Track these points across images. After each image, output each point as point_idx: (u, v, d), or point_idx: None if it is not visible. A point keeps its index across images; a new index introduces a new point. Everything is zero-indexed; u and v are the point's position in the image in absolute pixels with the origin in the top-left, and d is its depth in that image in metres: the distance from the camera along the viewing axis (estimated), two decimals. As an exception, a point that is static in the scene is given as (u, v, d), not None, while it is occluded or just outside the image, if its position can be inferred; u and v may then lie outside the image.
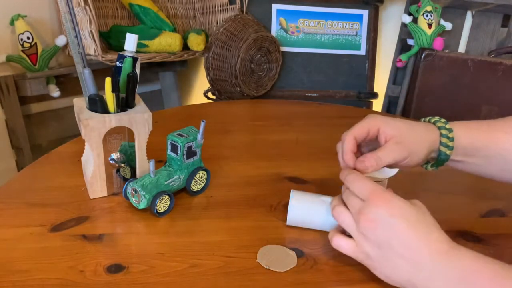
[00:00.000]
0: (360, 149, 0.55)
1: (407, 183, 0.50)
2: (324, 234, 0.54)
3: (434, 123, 0.53)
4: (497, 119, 0.55)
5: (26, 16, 1.27)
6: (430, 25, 1.50)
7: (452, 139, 0.51)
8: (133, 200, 0.56)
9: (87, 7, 1.15)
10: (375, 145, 0.52)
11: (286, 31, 1.57)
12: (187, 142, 0.57)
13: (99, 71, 0.96)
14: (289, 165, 0.72)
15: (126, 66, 0.56)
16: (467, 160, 0.53)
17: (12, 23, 1.26)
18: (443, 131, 0.51)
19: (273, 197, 0.62)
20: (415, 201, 0.47)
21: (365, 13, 1.60)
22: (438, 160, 0.53)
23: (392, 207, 0.43)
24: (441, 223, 0.58)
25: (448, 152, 0.51)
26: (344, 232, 0.48)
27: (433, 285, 0.41)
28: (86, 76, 0.56)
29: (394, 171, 0.56)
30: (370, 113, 0.54)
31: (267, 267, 0.48)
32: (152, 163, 0.55)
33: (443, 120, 0.53)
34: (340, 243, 0.47)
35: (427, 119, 0.55)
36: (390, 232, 0.43)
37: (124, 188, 0.57)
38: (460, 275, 0.40)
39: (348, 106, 1.10)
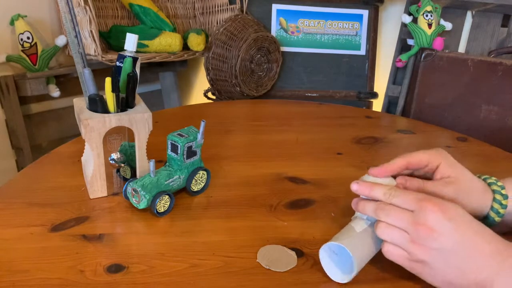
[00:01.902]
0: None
1: (407, 183, 0.50)
2: (324, 234, 0.54)
3: (489, 185, 0.51)
4: None
5: (26, 16, 1.27)
6: (430, 25, 1.50)
7: (505, 206, 0.50)
8: (133, 200, 0.56)
9: (87, 7, 1.15)
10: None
11: (286, 31, 1.57)
12: (187, 142, 0.57)
13: (99, 71, 0.96)
14: (289, 165, 0.72)
15: (126, 66, 0.56)
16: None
17: (12, 23, 1.26)
18: (497, 196, 0.50)
19: (273, 197, 0.62)
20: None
21: (365, 13, 1.60)
22: (486, 223, 0.50)
23: (447, 210, 0.42)
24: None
25: (497, 218, 0.50)
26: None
27: (500, 282, 0.40)
28: (86, 76, 0.56)
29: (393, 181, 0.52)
30: (439, 148, 0.52)
31: (267, 267, 0.48)
32: (152, 163, 0.55)
33: (499, 183, 0.51)
34: (392, 252, 0.45)
35: (482, 177, 0.53)
36: (453, 236, 0.41)
37: (124, 188, 0.57)
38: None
39: (348, 106, 1.10)
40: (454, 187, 0.49)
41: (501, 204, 0.50)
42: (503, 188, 0.51)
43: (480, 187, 0.51)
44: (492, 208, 0.50)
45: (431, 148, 0.52)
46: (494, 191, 0.50)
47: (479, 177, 0.53)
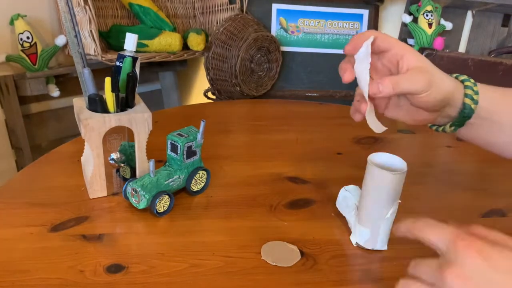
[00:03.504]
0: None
1: (407, 183, 0.49)
2: (324, 234, 0.54)
3: (456, 77, 0.49)
4: None
5: (25, 16, 1.27)
6: (430, 25, 1.50)
7: (477, 93, 0.47)
8: (133, 200, 0.55)
9: (87, 7, 1.15)
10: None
11: (286, 30, 1.57)
12: (187, 142, 0.57)
13: (99, 71, 0.96)
14: (289, 165, 0.72)
15: (126, 66, 0.56)
16: (481, 123, 0.49)
17: (12, 23, 1.26)
18: (467, 83, 0.48)
19: (273, 197, 0.62)
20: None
21: (365, 12, 1.60)
22: (461, 116, 0.48)
23: (491, 258, 0.31)
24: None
25: (473, 106, 0.47)
26: None
27: None
28: (85, 76, 0.56)
29: (404, 164, 0.50)
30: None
31: (274, 264, 0.48)
32: (152, 163, 0.55)
33: (465, 76, 0.49)
34: None
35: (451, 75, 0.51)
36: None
37: (124, 188, 0.57)
38: None
39: (348, 106, 1.09)
40: (426, 76, 0.46)
41: (473, 90, 0.48)
42: (470, 78, 0.49)
43: (450, 78, 0.49)
44: (466, 95, 0.47)
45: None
46: (463, 81, 0.49)
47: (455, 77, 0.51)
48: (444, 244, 0.33)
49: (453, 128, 0.51)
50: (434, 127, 0.53)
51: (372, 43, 0.48)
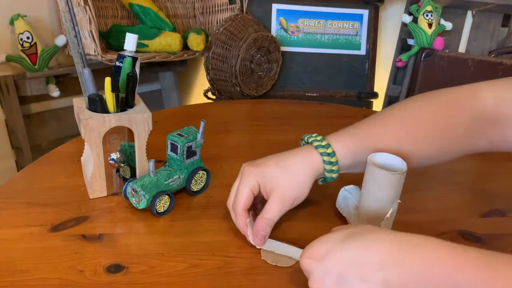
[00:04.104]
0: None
1: (407, 183, 0.49)
2: (323, 234, 0.54)
3: (316, 148, 0.51)
4: (373, 119, 0.54)
5: (25, 16, 1.27)
6: (430, 25, 1.50)
7: (335, 163, 0.51)
8: (133, 200, 0.55)
9: (87, 7, 1.15)
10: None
11: (286, 30, 1.57)
12: (187, 142, 0.57)
13: (99, 71, 0.96)
14: (289, 165, 0.72)
15: (125, 66, 0.56)
16: (351, 171, 0.53)
17: (12, 23, 1.26)
18: (325, 158, 0.50)
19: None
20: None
21: (365, 13, 1.60)
22: (326, 180, 0.53)
23: (313, 253, 0.41)
24: (441, 223, 0.58)
25: (334, 175, 0.51)
26: None
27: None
28: (85, 76, 0.56)
29: (404, 164, 0.50)
30: (246, 169, 0.52)
31: (274, 264, 0.48)
32: (152, 163, 0.55)
33: (324, 142, 0.51)
34: None
35: (306, 138, 0.54)
36: (336, 271, 0.39)
37: (124, 188, 0.57)
38: (420, 268, 0.36)
39: (348, 106, 1.10)
40: (284, 198, 0.50)
41: (331, 163, 0.50)
42: (328, 146, 0.51)
43: (302, 166, 0.51)
44: (325, 169, 0.51)
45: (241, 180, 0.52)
46: (321, 154, 0.51)
47: (303, 142, 0.55)
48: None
49: (324, 182, 0.55)
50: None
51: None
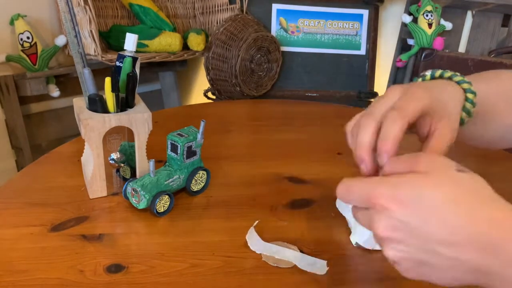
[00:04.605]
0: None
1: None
2: (324, 234, 0.54)
3: (450, 78, 0.45)
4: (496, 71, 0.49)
5: (26, 16, 1.27)
6: (430, 25, 1.50)
7: (474, 104, 0.44)
8: (133, 200, 0.55)
9: (87, 7, 1.15)
10: None
11: (286, 30, 1.57)
12: (187, 142, 0.57)
13: (99, 71, 0.96)
14: (289, 165, 0.72)
15: (126, 66, 0.56)
16: (474, 121, 0.46)
17: (12, 23, 1.26)
18: (465, 85, 0.44)
19: (273, 197, 0.62)
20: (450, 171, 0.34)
21: (365, 13, 1.60)
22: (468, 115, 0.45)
23: (397, 199, 0.32)
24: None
25: (466, 119, 0.44)
26: None
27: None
28: (86, 76, 0.56)
29: None
30: (393, 86, 0.43)
31: (275, 265, 0.48)
32: (152, 163, 0.55)
33: (465, 78, 0.45)
34: (393, 256, 0.35)
35: (439, 73, 0.46)
36: (416, 219, 0.32)
37: (124, 188, 0.57)
38: None
39: (348, 106, 1.10)
40: (453, 127, 0.42)
41: (472, 102, 0.44)
42: (470, 82, 0.45)
43: (452, 93, 0.44)
44: (467, 99, 0.44)
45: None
46: (465, 90, 0.44)
47: (449, 78, 0.46)
48: (365, 205, 0.35)
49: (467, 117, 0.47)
50: None
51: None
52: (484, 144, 0.50)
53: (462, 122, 0.45)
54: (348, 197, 0.37)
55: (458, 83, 0.45)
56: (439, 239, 0.32)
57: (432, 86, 0.44)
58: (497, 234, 0.30)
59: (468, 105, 0.44)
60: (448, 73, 0.46)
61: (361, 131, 0.41)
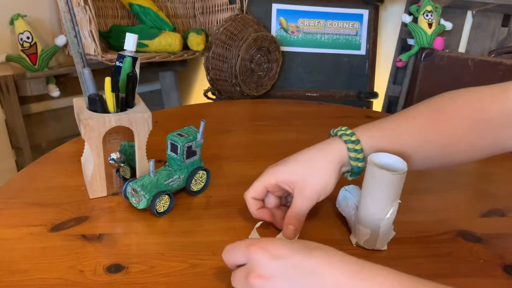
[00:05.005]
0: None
1: (407, 183, 0.49)
2: (324, 234, 0.54)
3: (340, 136, 0.52)
4: (399, 114, 0.54)
5: (26, 16, 1.27)
6: (430, 25, 1.50)
7: (360, 151, 0.50)
8: (133, 200, 0.55)
9: (87, 7, 1.15)
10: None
11: (286, 30, 1.57)
12: (187, 142, 0.57)
13: (99, 71, 0.96)
14: (289, 165, 0.72)
15: (125, 66, 0.56)
16: None
17: (12, 22, 1.26)
18: (350, 145, 0.50)
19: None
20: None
21: (365, 13, 1.60)
22: (353, 172, 0.53)
23: (274, 249, 0.36)
24: (441, 223, 0.58)
25: (359, 164, 0.51)
26: None
27: None
28: (85, 75, 0.56)
29: (404, 164, 0.50)
30: (266, 169, 0.54)
31: None
32: (152, 163, 0.55)
33: (348, 131, 0.52)
34: None
35: (335, 131, 0.54)
36: (287, 276, 0.35)
37: (124, 188, 0.57)
38: None
39: (348, 106, 1.10)
40: (309, 190, 0.51)
41: (355, 150, 0.50)
42: (352, 134, 0.51)
43: (326, 156, 0.52)
44: (350, 157, 0.51)
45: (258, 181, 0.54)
46: (345, 142, 0.51)
47: (331, 133, 0.55)
48: (244, 258, 0.39)
49: (353, 177, 0.54)
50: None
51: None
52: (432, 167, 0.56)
53: (359, 172, 0.52)
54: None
55: (345, 142, 0.51)
56: None
57: (307, 161, 0.52)
58: None
59: (352, 154, 0.51)
60: (337, 130, 0.53)
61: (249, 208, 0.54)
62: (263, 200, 0.55)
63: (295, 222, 0.50)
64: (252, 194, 0.53)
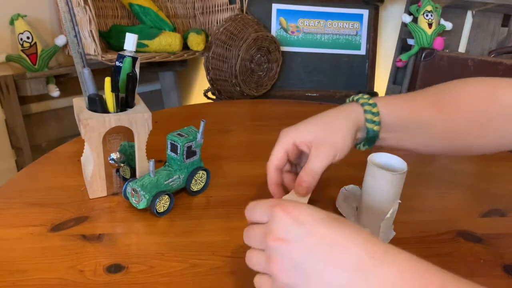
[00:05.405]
0: (295, 169, 0.56)
1: (407, 183, 0.49)
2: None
3: (357, 101, 0.52)
4: (419, 91, 0.54)
5: (26, 16, 1.27)
6: (430, 25, 1.50)
7: (377, 114, 0.50)
8: (133, 200, 0.55)
9: (87, 7, 1.15)
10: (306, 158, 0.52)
11: (286, 30, 1.57)
12: (187, 142, 0.57)
13: (99, 71, 0.96)
14: (289, 165, 0.72)
15: (125, 66, 0.56)
16: (391, 136, 0.52)
17: (12, 23, 1.26)
18: (367, 107, 0.50)
19: (273, 197, 0.62)
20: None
21: (365, 13, 1.60)
22: (368, 138, 0.52)
23: (298, 214, 0.35)
24: (441, 223, 0.58)
25: (375, 128, 0.50)
26: None
27: None
28: (85, 75, 0.56)
29: (404, 164, 0.51)
30: (282, 131, 0.54)
31: None
32: (152, 163, 0.55)
33: (366, 96, 0.52)
34: (260, 283, 0.37)
35: (351, 98, 0.54)
36: (306, 244, 0.33)
37: (123, 188, 0.57)
38: (401, 277, 0.31)
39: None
40: (325, 148, 0.50)
41: (372, 113, 0.50)
42: (369, 98, 0.51)
43: (341, 117, 0.52)
44: (366, 120, 0.50)
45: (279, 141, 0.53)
46: (362, 104, 0.51)
47: (348, 101, 0.55)
48: (266, 217, 0.37)
49: (366, 146, 0.54)
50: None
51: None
52: (413, 151, 0.55)
53: (373, 137, 0.51)
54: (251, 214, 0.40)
55: (362, 105, 0.51)
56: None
57: (324, 120, 0.53)
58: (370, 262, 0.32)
59: (368, 116, 0.50)
60: (363, 98, 0.52)
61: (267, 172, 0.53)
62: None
63: (309, 179, 0.49)
64: (275, 162, 0.51)
